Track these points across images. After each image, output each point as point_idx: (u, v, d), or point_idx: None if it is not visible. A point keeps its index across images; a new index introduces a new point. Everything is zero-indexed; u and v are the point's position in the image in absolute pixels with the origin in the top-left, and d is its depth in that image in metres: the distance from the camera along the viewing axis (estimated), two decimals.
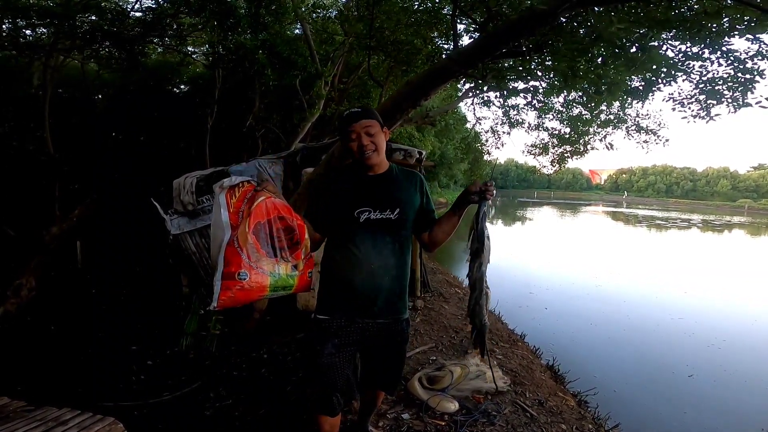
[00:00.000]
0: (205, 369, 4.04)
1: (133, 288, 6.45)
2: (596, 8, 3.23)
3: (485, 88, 6.46)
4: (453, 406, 2.89)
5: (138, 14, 7.87)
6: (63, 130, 7.97)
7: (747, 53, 3.42)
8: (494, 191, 1.78)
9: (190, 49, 10.43)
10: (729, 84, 3.62)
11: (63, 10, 6.01)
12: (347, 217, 1.82)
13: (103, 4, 6.80)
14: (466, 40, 5.31)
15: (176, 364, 4.24)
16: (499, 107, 8.97)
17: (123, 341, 4.74)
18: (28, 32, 7.55)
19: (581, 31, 3.49)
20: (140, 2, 8.22)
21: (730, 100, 3.67)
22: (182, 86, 11.77)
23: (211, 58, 9.19)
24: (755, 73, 3.43)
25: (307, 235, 1.81)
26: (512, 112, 9.07)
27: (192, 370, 4.06)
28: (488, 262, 1.83)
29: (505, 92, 5.72)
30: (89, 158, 8.16)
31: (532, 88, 5.47)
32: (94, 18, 6.84)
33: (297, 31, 8.91)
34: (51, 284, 6.29)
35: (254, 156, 6.81)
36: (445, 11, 5.44)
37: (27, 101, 8.14)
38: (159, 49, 9.98)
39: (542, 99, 6.96)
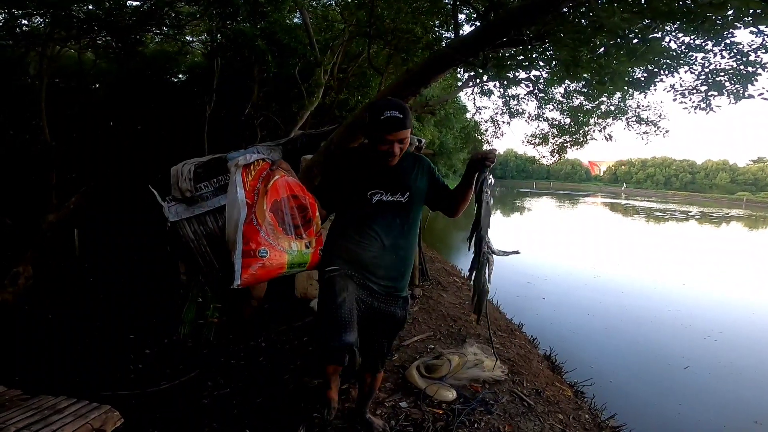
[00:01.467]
0: (203, 357, 4.05)
1: (130, 276, 6.44)
2: None
3: (485, 78, 6.42)
4: (451, 394, 2.90)
5: (135, 3, 7.79)
6: (60, 119, 7.92)
7: (750, 46, 3.40)
8: (495, 158, 1.82)
9: (188, 38, 10.35)
10: (730, 76, 3.60)
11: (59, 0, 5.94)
12: (361, 198, 1.87)
13: None
14: (467, 29, 5.27)
15: (174, 352, 4.24)
16: (499, 97, 8.96)
17: (120, 330, 4.74)
18: (24, 22, 7.47)
19: (583, 21, 3.45)
20: None
21: (731, 92, 3.66)
22: (180, 75, 11.69)
23: (209, 47, 9.11)
24: (758, 65, 3.41)
25: (318, 213, 1.86)
26: (512, 102, 9.06)
27: (190, 358, 4.06)
28: (488, 226, 1.87)
29: (506, 82, 5.67)
30: (86, 147, 8.12)
31: (533, 78, 5.43)
32: (91, 7, 6.76)
33: (296, 20, 8.83)
34: (48, 272, 6.27)
35: (253, 143, 6.78)
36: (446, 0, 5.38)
37: (24, 91, 8.09)
38: (157, 39, 9.90)
39: (543, 89, 6.93)
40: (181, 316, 4.54)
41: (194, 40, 10.77)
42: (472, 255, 1.91)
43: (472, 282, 1.93)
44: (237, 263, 1.61)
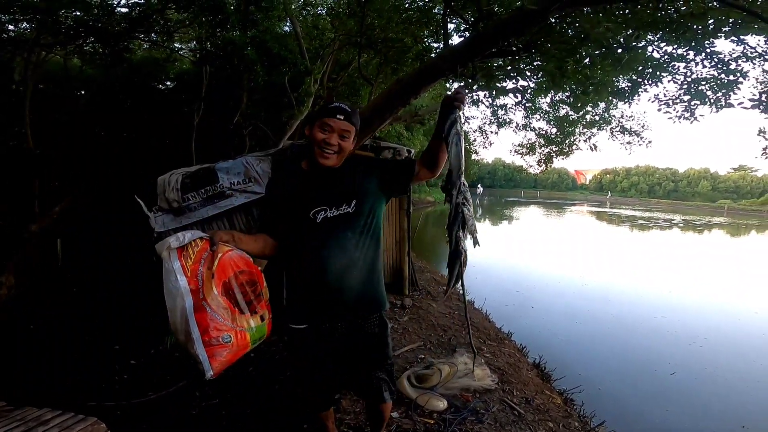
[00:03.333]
0: (191, 368, 3.99)
1: (115, 286, 6.33)
2: (585, 9, 3.26)
3: (474, 87, 6.49)
4: (442, 404, 2.90)
5: (124, 9, 7.74)
6: (44, 126, 7.80)
7: (731, 55, 3.49)
8: (464, 97, 1.69)
9: (176, 45, 10.29)
10: (712, 85, 3.69)
11: (46, 4, 5.88)
12: (304, 219, 1.74)
13: None
14: (456, 39, 5.34)
15: (161, 363, 4.17)
16: (487, 107, 9.04)
17: (106, 340, 4.66)
18: (10, 27, 7.37)
19: (570, 32, 3.52)
20: None
21: (713, 101, 3.75)
22: (168, 83, 11.61)
23: (198, 55, 9.07)
24: (738, 74, 3.50)
25: (265, 283, 1.77)
26: (500, 112, 9.15)
27: (177, 368, 4.00)
28: (460, 170, 1.66)
29: (494, 91, 5.74)
30: (71, 154, 8.01)
31: (521, 88, 5.51)
32: (78, 13, 6.70)
33: (286, 28, 8.84)
34: (31, 282, 6.15)
35: (241, 153, 6.74)
36: (436, 10, 5.45)
37: (7, 96, 7.96)
38: (145, 45, 9.83)
39: (530, 98, 7.02)
40: (168, 327, 4.46)
41: (183, 47, 10.71)
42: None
43: (449, 236, 1.70)
44: (201, 355, 1.53)
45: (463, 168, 1.67)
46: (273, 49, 6.35)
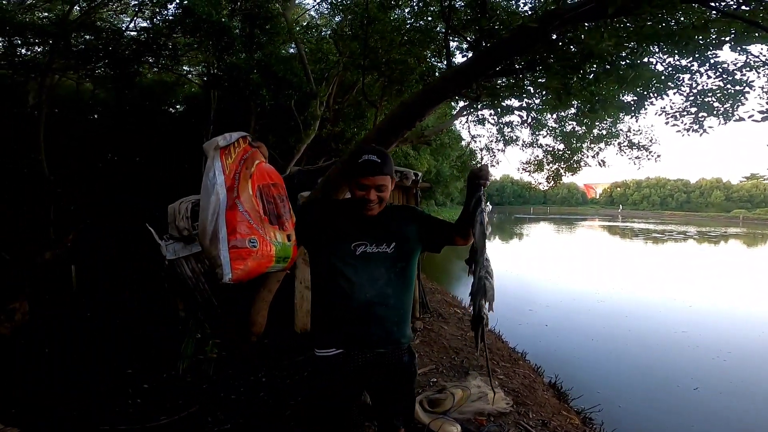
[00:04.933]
0: (203, 393, 3.96)
1: (128, 311, 6.36)
2: (586, 25, 3.28)
3: (479, 106, 6.52)
4: (455, 429, 2.84)
5: (133, 33, 7.95)
6: (58, 150, 7.96)
7: (735, 65, 3.47)
8: (488, 174, 1.77)
9: (185, 68, 10.52)
10: (719, 96, 3.67)
11: (58, 29, 6.06)
12: (344, 249, 1.80)
13: (98, 23, 6.86)
14: (459, 59, 5.39)
15: (173, 387, 4.16)
16: (493, 125, 9.05)
17: (119, 365, 4.66)
18: (23, 51, 7.60)
19: (573, 48, 3.54)
20: (135, 22, 8.32)
21: (721, 113, 3.72)
22: (177, 106, 11.84)
23: (205, 79, 9.26)
24: (744, 84, 3.47)
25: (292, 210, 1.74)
26: (506, 130, 9.16)
27: (189, 393, 3.98)
28: (484, 248, 1.76)
29: (500, 110, 5.76)
30: (84, 180, 8.15)
31: (526, 105, 5.52)
32: (89, 37, 6.89)
33: (291, 50, 9.01)
34: (45, 308, 6.20)
35: None
36: (437, 30, 5.51)
37: (22, 120, 8.14)
38: (154, 69, 10.07)
39: (536, 116, 7.03)
40: (181, 351, 4.46)
41: (191, 70, 10.96)
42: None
43: (473, 302, 1.80)
44: (223, 256, 1.43)
45: (486, 245, 1.77)
46: (278, 72, 6.46)
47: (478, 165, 1.85)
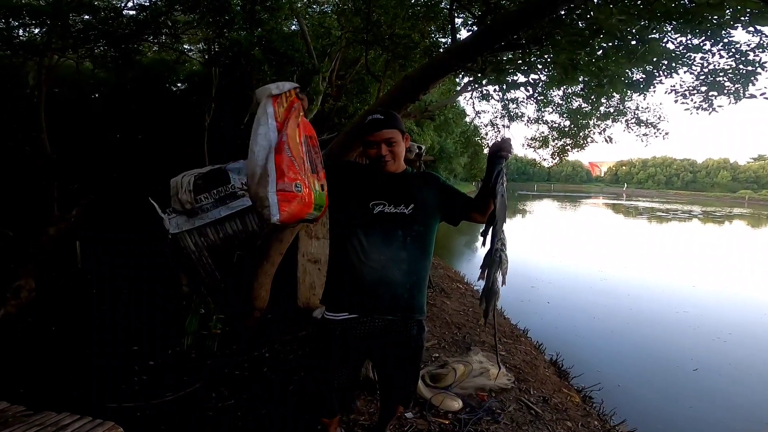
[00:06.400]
0: (207, 369, 4.02)
1: (133, 288, 6.42)
2: (596, 0, 3.19)
3: (484, 82, 6.41)
4: (457, 404, 2.87)
5: (131, 12, 7.81)
6: (59, 129, 7.92)
7: (748, 45, 3.39)
8: (510, 147, 1.75)
9: (185, 46, 10.37)
10: (730, 76, 3.59)
11: (54, 9, 5.95)
12: (362, 208, 1.82)
13: (95, 2, 6.73)
14: (464, 34, 5.27)
15: (178, 364, 4.22)
16: (498, 101, 8.93)
17: (124, 341, 4.72)
18: (21, 32, 7.49)
19: (581, 24, 3.44)
20: (133, 0, 8.16)
21: (731, 92, 3.65)
22: (179, 84, 11.71)
23: (206, 56, 9.13)
24: (756, 65, 3.40)
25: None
26: (511, 106, 9.04)
27: (194, 369, 4.04)
28: (504, 220, 1.74)
29: (505, 86, 5.66)
30: (87, 158, 8.12)
31: (532, 81, 5.42)
32: (87, 17, 6.77)
33: (293, 27, 8.84)
34: (51, 285, 6.26)
35: None
36: (442, 5, 5.38)
37: (22, 101, 8.09)
38: (154, 47, 9.93)
39: (542, 92, 6.91)
40: (185, 327, 4.51)
41: (192, 48, 10.79)
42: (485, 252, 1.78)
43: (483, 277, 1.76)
44: (272, 198, 1.48)
45: (505, 219, 1.75)
46: (280, 48, 6.34)
47: (501, 138, 1.82)
